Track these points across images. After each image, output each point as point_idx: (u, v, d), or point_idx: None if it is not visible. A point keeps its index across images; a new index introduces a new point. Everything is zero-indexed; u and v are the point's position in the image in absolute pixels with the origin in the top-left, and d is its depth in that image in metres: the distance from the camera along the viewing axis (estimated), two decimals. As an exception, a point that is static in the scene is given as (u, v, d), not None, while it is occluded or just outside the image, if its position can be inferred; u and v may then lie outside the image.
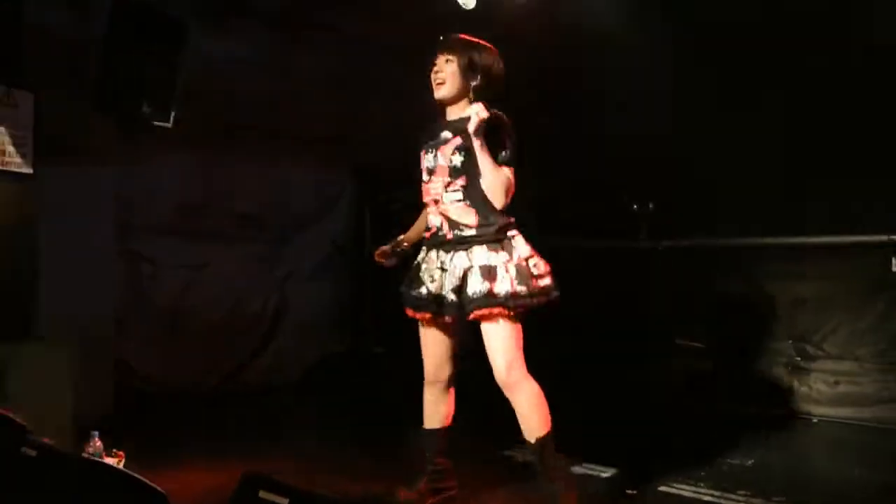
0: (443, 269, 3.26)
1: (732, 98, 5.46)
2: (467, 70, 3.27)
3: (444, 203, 3.27)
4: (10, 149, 4.11)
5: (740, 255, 5.85)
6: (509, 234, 3.22)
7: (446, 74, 3.29)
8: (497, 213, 3.21)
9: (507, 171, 3.22)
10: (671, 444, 4.75)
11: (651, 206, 6.16)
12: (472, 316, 3.15)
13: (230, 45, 5.71)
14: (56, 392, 4.04)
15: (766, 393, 5.61)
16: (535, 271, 3.18)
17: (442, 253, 3.29)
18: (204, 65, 5.22)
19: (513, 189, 3.23)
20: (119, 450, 3.52)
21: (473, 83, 3.27)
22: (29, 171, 4.20)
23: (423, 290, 3.33)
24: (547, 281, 3.20)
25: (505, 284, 3.10)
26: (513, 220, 3.27)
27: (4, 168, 4.08)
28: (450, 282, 3.22)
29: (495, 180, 3.16)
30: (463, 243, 3.22)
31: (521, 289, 3.11)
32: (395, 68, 6.44)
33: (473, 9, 4.73)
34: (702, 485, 3.90)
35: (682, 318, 5.97)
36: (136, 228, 5.67)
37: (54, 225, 4.60)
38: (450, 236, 3.26)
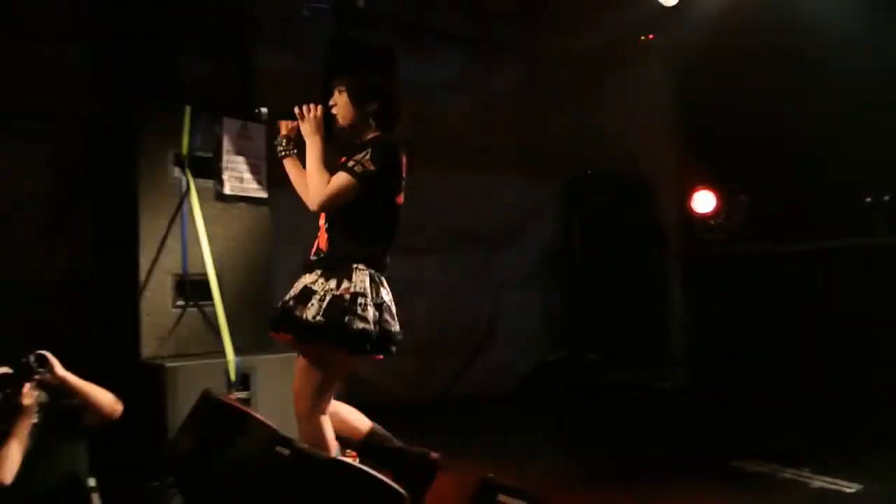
0: (294, 288, 3.13)
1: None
2: (360, 97, 3.16)
3: (322, 226, 3.21)
4: (248, 176, 4.55)
5: None
6: (354, 265, 3.01)
7: (338, 105, 3.22)
8: (347, 243, 3.04)
9: (340, 177, 3.01)
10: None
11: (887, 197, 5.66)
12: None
13: (431, 68, 5.99)
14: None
15: None
16: (357, 310, 2.93)
17: (302, 274, 3.18)
18: (408, 88, 5.52)
19: (337, 197, 2.99)
20: (352, 451, 3.74)
21: (370, 108, 3.17)
22: (265, 195, 4.61)
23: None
24: (362, 325, 2.92)
25: (309, 312, 2.94)
26: (365, 251, 3.05)
27: (244, 194, 4.52)
28: (285, 299, 3.08)
29: (310, 181, 3.06)
30: (312, 267, 3.11)
31: (320, 320, 2.91)
32: (592, 78, 6.47)
33: (673, 6, 4.61)
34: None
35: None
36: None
37: (286, 245, 5.01)
38: (311, 259, 3.16)
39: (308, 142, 3.12)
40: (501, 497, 2.07)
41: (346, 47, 4.99)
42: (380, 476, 2.34)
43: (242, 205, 4.52)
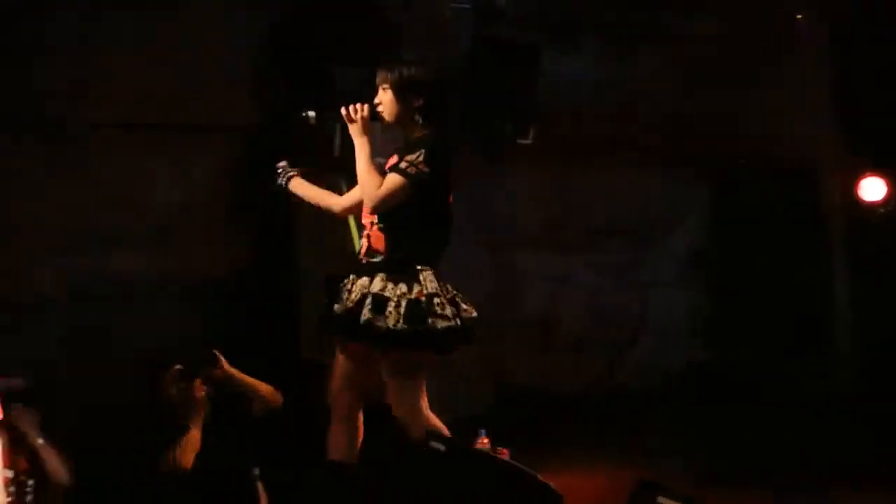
0: (348, 292, 3.08)
1: None
2: (404, 92, 3.11)
3: (371, 226, 3.15)
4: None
5: None
6: (418, 267, 3.00)
7: (384, 103, 3.15)
8: (409, 244, 3.03)
9: (392, 179, 3.00)
10: None
11: None
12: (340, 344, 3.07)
13: (572, 62, 5.93)
14: (439, 396, 4.44)
15: None
16: (436, 310, 2.94)
17: (354, 276, 3.12)
18: (552, 83, 5.49)
19: (391, 199, 2.97)
20: (502, 449, 3.77)
21: (416, 104, 3.10)
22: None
23: (333, 309, 3.16)
24: (446, 324, 2.93)
25: (389, 321, 2.92)
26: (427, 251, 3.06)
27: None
28: (344, 305, 3.06)
29: (363, 182, 3.02)
30: (371, 270, 3.06)
31: (403, 327, 2.90)
32: (742, 61, 6.18)
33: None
34: None
35: None
36: (504, 243, 6.08)
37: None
38: (364, 261, 3.12)
39: (357, 143, 3.10)
40: (661, 499, 2.02)
41: (490, 44, 5.00)
42: (537, 475, 2.33)
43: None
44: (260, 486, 3.43)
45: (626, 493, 2.09)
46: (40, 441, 3.00)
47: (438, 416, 3.22)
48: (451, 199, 3.17)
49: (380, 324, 2.90)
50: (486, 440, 3.66)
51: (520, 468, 2.47)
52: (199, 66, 4.66)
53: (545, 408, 5.68)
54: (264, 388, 3.48)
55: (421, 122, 3.11)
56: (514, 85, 4.97)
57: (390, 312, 2.90)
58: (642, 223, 6.65)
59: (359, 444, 3.10)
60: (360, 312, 2.94)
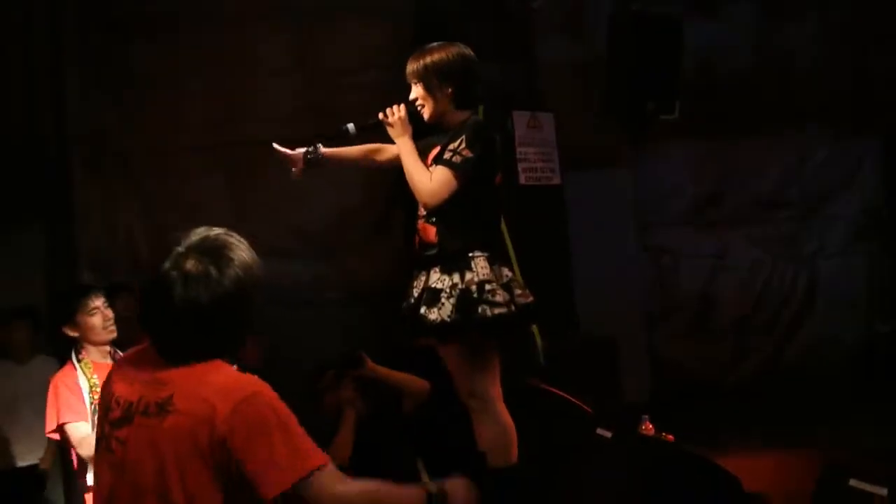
0: (413, 289, 3.01)
1: None
2: (434, 83, 2.95)
3: (420, 220, 3.00)
4: (541, 165, 4.64)
5: None
6: (470, 254, 2.90)
7: (419, 98, 2.97)
8: (458, 233, 2.91)
9: (441, 172, 2.85)
10: None
11: None
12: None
13: (721, 29, 5.68)
14: (597, 381, 4.39)
15: None
16: (488, 297, 2.83)
17: (416, 272, 3.03)
18: (700, 53, 5.27)
19: (444, 192, 2.84)
20: (667, 434, 3.67)
21: (447, 91, 2.95)
22: (558, 182, 4.68)
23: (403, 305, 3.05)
24: (497, 311, 2.82)
25: (442, 312, 2.85)
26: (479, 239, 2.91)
27: (538, 183, 4.62)
28: (408, 303, 3.00)
29: (414, 182, 2.90)
30: (428, 263, 2.97)
31: (456, 318, 2.82)
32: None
33: None
34: None
35: None
36: (655, 223, 5.92)
37: (582, 227, 5.04)
38: (421, 256, 3.01)
39: (399, 144, 3.02)
40: (853, 482, 1.90)
41: (630, 22, 4.86)
42: (709, 458, 2.26)
43: (538, 193, 4.61)
44: (424, 475, 3.52)
45: (809, 476, 1.99)
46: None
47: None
48: (498, 179, 3.07)
49: (433, 316, 2.88)
50: (650, 426, 3.57)
51: (691, 452, 2.40)
52: (338, 78, 4.83)
53: (709, 391, 5.49)
54: (412, 382, 3.57)
55: (457, 107, 3.01)
56: (656, 60, 4.80)
57: (442, 304, 2.88)
58: (806, 191, 6.29)
59: (507, 435, 2.99)
60: (419, 308, 2.95)
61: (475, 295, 2.85)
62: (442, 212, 2.94)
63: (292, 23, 4.94)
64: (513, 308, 2.90)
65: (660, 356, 5.77)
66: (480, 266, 2.91)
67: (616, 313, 5.25)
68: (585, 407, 3.02)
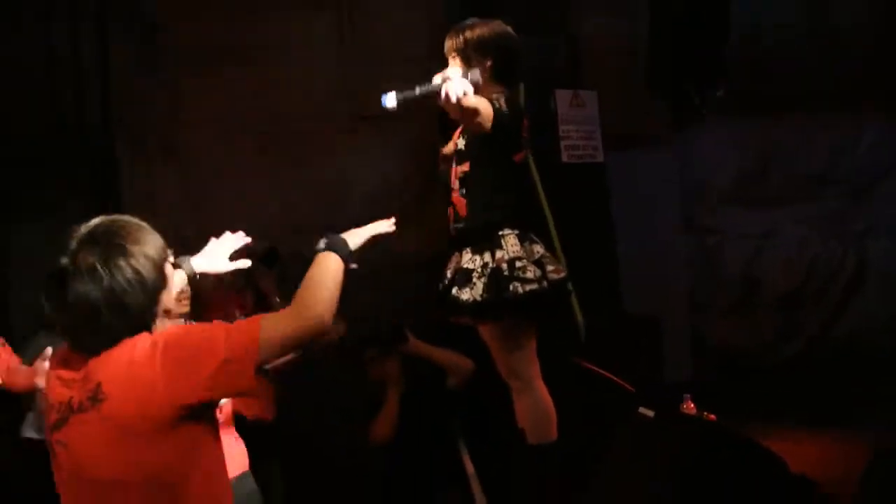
0: (447, 269, 3.01)
1: None
2: (471, 57, 2.91)
3: (454, 192, 2.99)
4: (583, 143, 4.61)
5: None
6: (500, 232, 2.89)
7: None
8: (486, 210, 2.91)
9: (482, 99, 2.77)
10: None
11: None
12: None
13: (765, 8, 5.57)
14: (640, 360, 4.36)
15: None
16: (519, 274, 2.82)
17: (449, 251, 3.03)
18: (745, 29, 5.16)
19: (476, 109, 2.72)
20: (709, 414, 3.64)
21: (488, 63, 2.91)
22: (600, 160, 4.64)
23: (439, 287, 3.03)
24: (529, 288, 2.82)
25: (474, 292, 2.85)
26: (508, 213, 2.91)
27: (581, 161, 4.59)
28: (443, 283, 3.00)
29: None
30: (460, 241, 2.98)
31: (487, 297, 2.81)
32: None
33: None
34: None
35: None
36: (700, 201, 5.84)
37: (625, 206, 5.00)
38: (453, 232, 3.02)
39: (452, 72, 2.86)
40: (901, 468, 1.87)
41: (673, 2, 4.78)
42: (757, 441, 2.23)
43: (581, 170, 4.57)
44: (465, 452, 3.55)
45: (857, 460, 1.96)
46: (277, 300, 3.34)
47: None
48: (518, 157, 3.03)
49: (465, 297, 2.87)
50: (692, 405, 3.55)
51: (735, 432, 2.38)
52: (382, 58, 4.84)
53: (754, 371, 5.43)
54: (455, 358, 3.59)
55: (495, 82, 2.95)
56: (700, 37, 4.71)
57: (474, 284, 2.88)
58: (857, 170, 6.14)
59: (546, 413, 2.99)
60: (452, 288, 2.95)
61: (506, 273, 2.85)
62: (471, 185, 2.95)
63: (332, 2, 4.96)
64: (545, 284, 2.88)
65: (703, 335, 5.72)
66: (511, 244, 2.90)
67: (659, 292, 5.22)
68: (627, 385, 3.00)
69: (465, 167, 2.98)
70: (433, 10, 4.73)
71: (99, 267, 1.67)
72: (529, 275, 2.86)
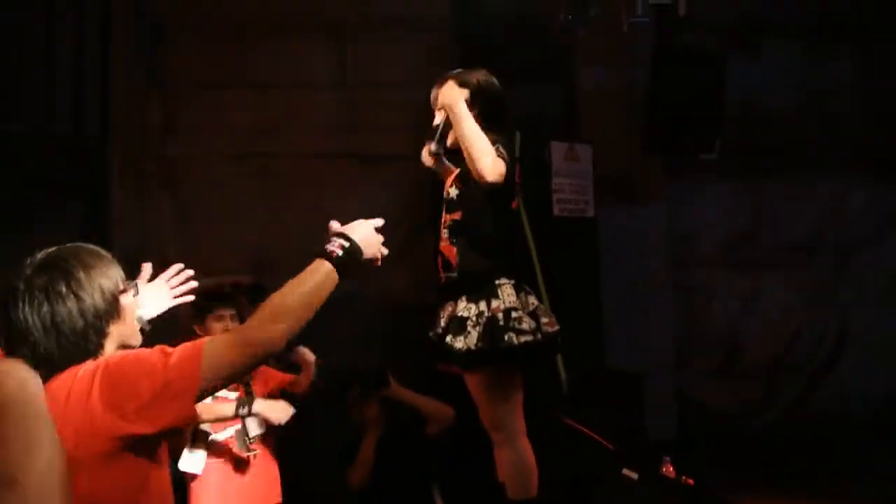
0: (440, 318, 2.96)
1: None
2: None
3: (443, 241, 2.96)
4: (575, 197, 4.62)
5: None
6: (497, 281, 2.86)
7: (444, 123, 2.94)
8: (481, 257, 2.88)
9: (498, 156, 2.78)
10: None
11: None
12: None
13: (760, 68, 5.65)
14: (622, 416, 4.32)
15: None
16: (514, 325, 2.78)
17: (442, 299, 2.99)
18: (740, 91, 5.23)
19: (500, 170, 2.75)
20: (688, 477, 3.60)
21: (475, 112, 2.89)
22: (591, 215, 4.64)
23: (430, 334, 2.99)
24: (524, 339, 2.78)
25: (468, 340, 2.81)
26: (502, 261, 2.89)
27: (571, 215, 4.59)
28: (435, 331, 2.95)
29: (476, 148, 2.74)
30: (452, 289, 2.94)
31: (481, 346, 2.77)
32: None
33: None
34: None
35: None
36: (688, 260, 5.85)
37: (613, 261, 4.99)
38: (444, 280, 2.98)
39: (453, 113, 2.87)
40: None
41: (674, 55, 4.82)
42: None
43: (571, 224, 4.58)
44: (440, 502, 3.49)
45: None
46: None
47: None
48: (514, 204, 3.01)
49: (459, 345, 2.83)
50: (671, 467, 3.51)
51: (713, 496, 2.35)
52: (380, 93, 4.85)
53: (736, 433, 5.39)
54: (436, 406, 3.54)
55: (485, 129, 2.89)
56: (698, 96, 4.75)
57: (469, 332, 2.84)
58: (843, 236, 6.18)
59: (528, 468, 2.92)
60: (446, 336, 2.91)
61: (501, 322, 2.81)
62: (463, 233, 2.92)
63: (336, 35, 4.99)
64: (539, 336, 2.86)
65: (687, 394, 5.69)
66: (507, 293, 2.87)
67: (644, 349, 5.19)
68: (607, 443, 2.96)
69: (457, 216, 2.95)
70: (436, 52, 4.78)
71: (38, 292, 1.66)
72: (525, 326, 2.83)
